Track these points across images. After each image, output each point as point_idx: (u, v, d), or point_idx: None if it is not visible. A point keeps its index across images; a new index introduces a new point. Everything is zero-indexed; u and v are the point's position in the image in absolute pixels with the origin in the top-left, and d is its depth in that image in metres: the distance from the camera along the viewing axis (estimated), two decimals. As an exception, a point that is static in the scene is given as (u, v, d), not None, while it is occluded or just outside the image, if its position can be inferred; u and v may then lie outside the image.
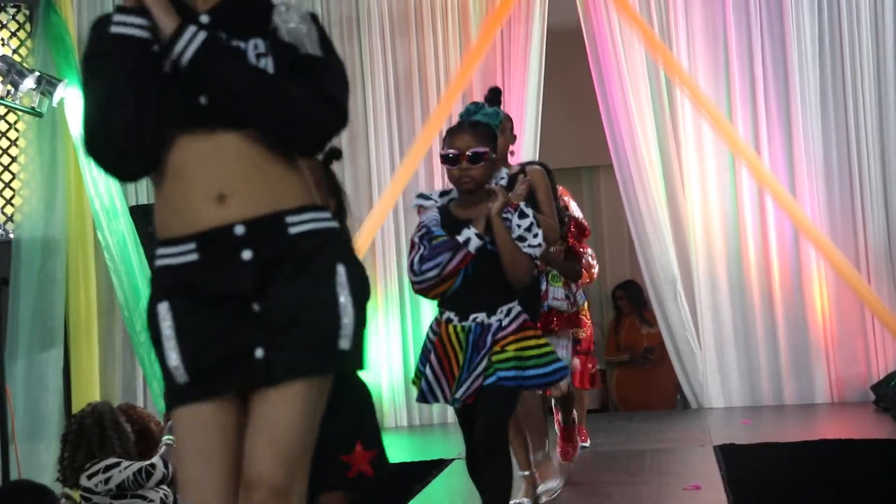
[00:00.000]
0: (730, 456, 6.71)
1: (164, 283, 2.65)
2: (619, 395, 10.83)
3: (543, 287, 6.11)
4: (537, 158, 9.05)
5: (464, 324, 4.41)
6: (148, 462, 5.29)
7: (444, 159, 4.46)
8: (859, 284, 8.78)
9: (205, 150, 2.61)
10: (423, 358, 4.51)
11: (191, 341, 2.61)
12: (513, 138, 5.71)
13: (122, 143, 2.60)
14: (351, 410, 3.72)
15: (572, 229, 6.45)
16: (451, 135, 4.50)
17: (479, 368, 4.34)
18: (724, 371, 9.29)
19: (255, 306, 2.60)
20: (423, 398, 4.50)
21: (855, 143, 9.15)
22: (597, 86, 9.39)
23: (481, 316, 4.40)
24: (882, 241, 9.11)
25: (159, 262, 2.67)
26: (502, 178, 5.23)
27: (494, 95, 5.03)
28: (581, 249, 6.60)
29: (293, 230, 2.63)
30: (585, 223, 6.66)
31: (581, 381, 6.98)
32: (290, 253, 2.61)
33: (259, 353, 2.58)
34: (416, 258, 4.42)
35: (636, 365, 10.73)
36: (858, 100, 9.16)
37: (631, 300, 10.89)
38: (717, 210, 9.34)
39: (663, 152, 9.37)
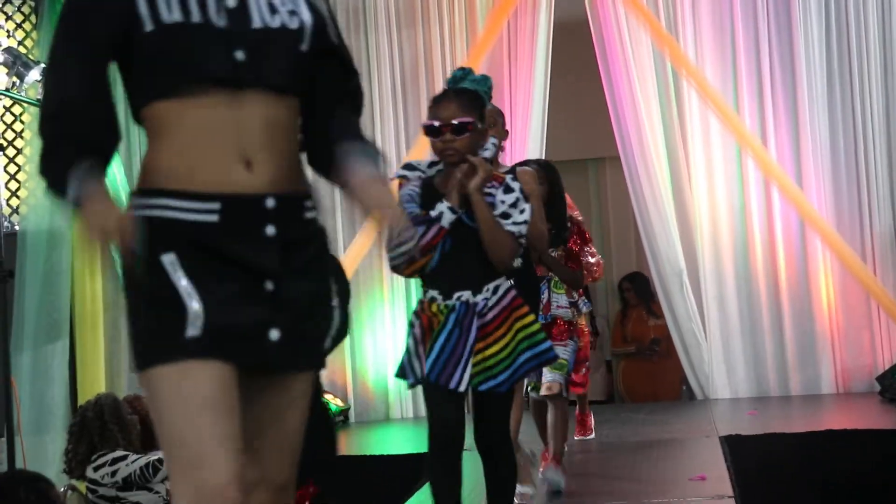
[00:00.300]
0: (735, 447, 6.71)
1: (168, 235, 2.40)
2: (626, 386, 10.82)
3: (545, 297, 5.85)
4: (544, 150, 9.07)
5: (448, 302, 4.09)
6: (155, 457, 5.29)
7: (427, 130, 4.14)
8: (865, 276, 8.77)
9: (230, 108, 2.41)
10: (408, 335, 4.22)
11: (207, 296, 2.38)
12: (505, 133, 5.38)
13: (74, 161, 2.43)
14: (313, 437, 3.52)
15: (575, 236, 6.08)
16: (436, 104, 4.14)
17: (468, 358, 4.02)
18: (731, 362, 9.29)
19: (268, 285, 2.43)
20: (402, 373, 4.21)
21: (862, 135, 9.14)
22: (603, 78, 9.38)
23: (466, 294, 4.07)
24: (888, 232, 9.10)
25: (164, 213, 2.41)
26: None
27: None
28: (584, 250, 6.29)
29: (307, 215, 2.52)
30: (584, 228, 6.28)
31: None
32: (308, 239, 2.51)
33: (274, 334, 2.43)
34: None
35: (642, 356, 10.72)
36: (865, 92, 9.14)
37: (637, 292, 10.87)
38: (724, 202, 9.33)
39: (670, 144, 9.36)
